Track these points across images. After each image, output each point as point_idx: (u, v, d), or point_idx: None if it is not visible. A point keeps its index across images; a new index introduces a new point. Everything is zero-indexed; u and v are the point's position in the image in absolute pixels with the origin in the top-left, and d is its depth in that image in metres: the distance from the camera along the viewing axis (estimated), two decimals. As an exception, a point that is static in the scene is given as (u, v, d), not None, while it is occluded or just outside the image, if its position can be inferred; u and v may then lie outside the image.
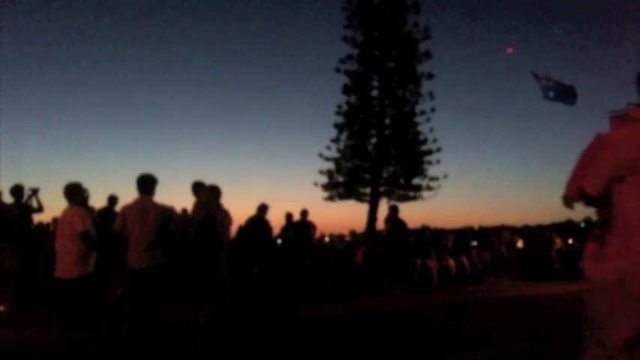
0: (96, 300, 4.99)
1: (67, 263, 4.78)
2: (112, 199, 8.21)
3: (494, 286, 10.85)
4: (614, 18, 37.21)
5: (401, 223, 10.10)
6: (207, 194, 5.92)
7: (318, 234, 10.99)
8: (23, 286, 7.56)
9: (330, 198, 23.12)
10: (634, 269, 2.03)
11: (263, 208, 9.60)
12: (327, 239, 15.10)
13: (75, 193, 5.02)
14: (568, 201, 2.38)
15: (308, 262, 10.32)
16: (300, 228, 10.42)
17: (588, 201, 2.31)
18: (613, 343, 2.10)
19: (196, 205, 5.75)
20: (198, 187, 5.85)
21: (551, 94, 5.70)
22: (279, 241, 11.08)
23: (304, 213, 10.49)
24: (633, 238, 2.06)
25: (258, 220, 9.55)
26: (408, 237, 10.90)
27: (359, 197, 22.96)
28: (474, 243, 14.08)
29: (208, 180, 6.10)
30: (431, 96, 22.24)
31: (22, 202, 7.72)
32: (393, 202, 20.24)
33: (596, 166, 2.20)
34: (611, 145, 2.16)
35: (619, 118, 2.23)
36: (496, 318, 6.22)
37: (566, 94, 5.59)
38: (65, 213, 5.00)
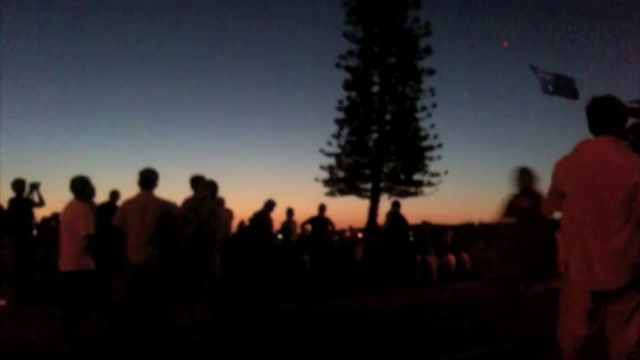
0: (96, 296, 5.00)
1: (69, 257, 4.82)
2: (114, 194, 8.20)
3: (494, 283, 10.81)
4: (615, 13, 37.13)
5: (401, 219, 10.09)
6: (206, 190, 5.92)
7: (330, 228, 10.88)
8: (23, 283, 7.55)
9: (331, 193, 23.14)
10: (568, 259, 2.75)
11: (270, 205, 9.35)
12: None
13: (82, 187, 4.97)
14: (545, 216, 3.27)
15: (306, 256, 10.31)
16: (317, 223, 10.36)
17: None
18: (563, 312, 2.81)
19: (194, 200, 5.73)
20: (197, 181, 5.84)
21: (551, 88, 5.67)
22: (279, 236, 11.06)
23: (322, 208, 10.37)
24: (566, 240, 2.76)
25: (263, 217, 9.37)
26: (407, 232, 10.86)
27: (359, 193, 22.97)
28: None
29: (209, 175, 6.11)
30: (432, 92, 22.22)
31: (23, 196, 7.73)
32: (394, 198, 20.28)
33: (550, 187, 2.92)
34: (555, 169, 2.83)
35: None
36: (496, 315, 6.20)
37: (565, 88, 5.55)
38: (69, 208, 4.93)
